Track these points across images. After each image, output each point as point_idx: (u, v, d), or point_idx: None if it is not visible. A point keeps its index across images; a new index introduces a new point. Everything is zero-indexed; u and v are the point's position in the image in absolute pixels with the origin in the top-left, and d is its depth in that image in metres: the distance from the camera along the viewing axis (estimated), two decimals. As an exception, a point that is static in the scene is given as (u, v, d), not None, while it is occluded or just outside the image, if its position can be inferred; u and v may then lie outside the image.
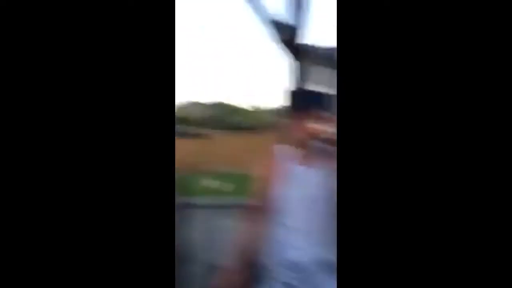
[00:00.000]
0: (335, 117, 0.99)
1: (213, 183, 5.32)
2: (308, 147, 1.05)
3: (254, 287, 0.99)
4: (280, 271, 1.00)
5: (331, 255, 1.00)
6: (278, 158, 1.08)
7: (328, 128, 1.02)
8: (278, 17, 2.04)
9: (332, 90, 1.08)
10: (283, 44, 1.97)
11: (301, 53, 1.92)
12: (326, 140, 1.03)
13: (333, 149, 1.11)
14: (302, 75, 1.91)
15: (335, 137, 0.97)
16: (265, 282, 0.98)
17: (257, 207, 1.02)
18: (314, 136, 1.03)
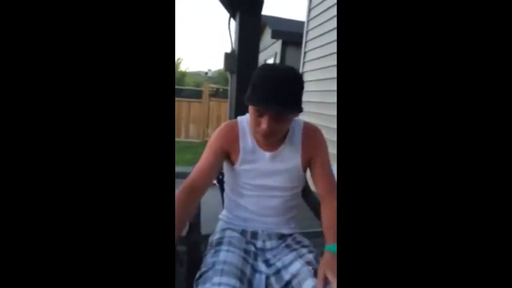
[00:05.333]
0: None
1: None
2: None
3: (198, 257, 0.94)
4: (233, 236, 0.97)
5: (285, 230, 1.02)
6: (228, 129, 0.98)
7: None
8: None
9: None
10: (223, 0, 1.69)
11: (243, 15, 1.68)
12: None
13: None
14: (245, 38, 1.69)
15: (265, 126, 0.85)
16: (216, 248, 0.92)
17: (197, 178, 0.92)
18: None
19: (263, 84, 0.83)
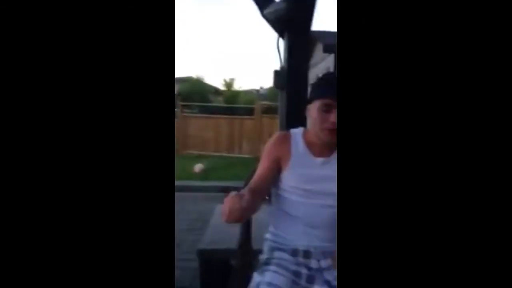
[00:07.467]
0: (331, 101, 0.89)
1: (199, 166, 5.22)
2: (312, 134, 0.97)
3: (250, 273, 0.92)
4: (282, 258, 0.93)
5: (334, 246, 0.94)
6: (280, 143, 1.00)
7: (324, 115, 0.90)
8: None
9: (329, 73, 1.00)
10: (271, 21, 1.78)
11: (291, 34, 1.76)
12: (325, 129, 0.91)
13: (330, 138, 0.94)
14: (293, 56, 1.76)
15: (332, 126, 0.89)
16: (264, 268, 0.90)
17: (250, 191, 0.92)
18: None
19: (327, 80, 0.95)
